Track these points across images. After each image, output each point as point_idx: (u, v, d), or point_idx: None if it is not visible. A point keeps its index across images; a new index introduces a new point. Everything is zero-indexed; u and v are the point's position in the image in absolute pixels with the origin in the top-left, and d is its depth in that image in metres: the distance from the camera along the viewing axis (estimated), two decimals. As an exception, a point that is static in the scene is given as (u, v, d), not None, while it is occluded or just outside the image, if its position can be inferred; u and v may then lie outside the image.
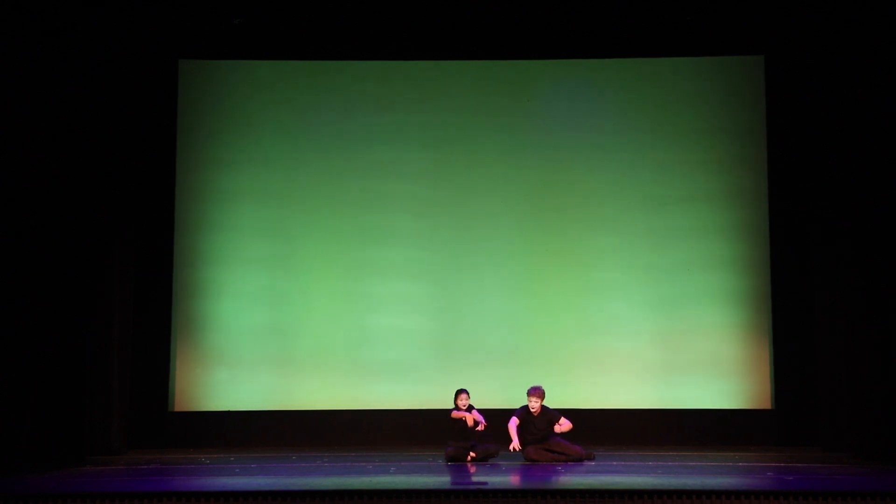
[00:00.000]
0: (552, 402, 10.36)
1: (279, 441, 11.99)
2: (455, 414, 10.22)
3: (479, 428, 10.15)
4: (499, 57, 12.60)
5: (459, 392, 10.30)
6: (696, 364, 12.14)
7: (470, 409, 10.25)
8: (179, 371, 12.24)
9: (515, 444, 10.03)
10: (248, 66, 12.65)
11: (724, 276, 12.26)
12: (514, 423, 10.13)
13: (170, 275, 12.29)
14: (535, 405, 10.15)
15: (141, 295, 11.95)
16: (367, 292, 12.39)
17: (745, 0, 11.62)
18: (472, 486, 7.95)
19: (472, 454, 10.11)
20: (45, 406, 10.02)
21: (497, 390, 11.66)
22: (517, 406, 10.30)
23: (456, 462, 10.03)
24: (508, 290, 12.37)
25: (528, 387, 10.26)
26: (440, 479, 8.76)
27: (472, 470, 9.46)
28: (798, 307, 11.89)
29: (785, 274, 12.09)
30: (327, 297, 12.38)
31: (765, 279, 12.19)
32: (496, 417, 10.46)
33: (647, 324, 12.24)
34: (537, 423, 10.14)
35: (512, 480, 8.76)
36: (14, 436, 9.67)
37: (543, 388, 10.25)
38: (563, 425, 10.14)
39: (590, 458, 10.16)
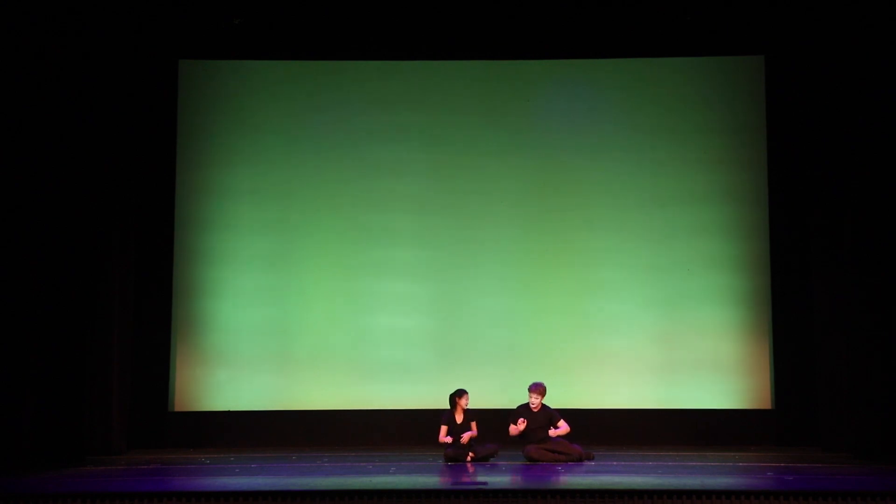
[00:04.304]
0: (552, 402, 10.36)
1: (279, 441, 11.99)
2: (443, 438, 10.21)
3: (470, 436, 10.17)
4: (499, 57, 12.60)
5: (462, 393, 10.28)
6: (697, 364, 12.14)
7: (466, 417, 10.25)
8: (179, 371, 12.25)
9: (521, 425, 10.00)
10: (248, 66, 12.65)
11: (724, 276, 12.26)
12: (512, 428, 10.15)
13: (170, 274, 12.29)
14: (534, 401, 10.16)
15: (141, 295, 11.96)
16: (366, 292, 12.39)
17: (745, 0, 11.63)
18: (472, 486, 7.95)
19: (471, 454, 10.11)
20: (45, 406, 10.02)
21: (497, 390, 11.66)
22: (516, 406, 10.30)
23: (456, 462, 10.03)
24: (508, 290, 12.37)
25: (530, 383, 10.28)
26: (440, 479, 8.76)
27: (472, 470, 9.46)
28: (798, 307, 11.89)
29: (785, 274, 12.10)
30: (327, 297, 12.39)
31: (765, 279, 12.19)
32: (496, 417, 10.47)
33: (647, 324, 12.24)
34: (537, 419, 10.14)
35: (512, 480, 8.76)
36: (14, 436, 9.67)
37: (545, 385, 10.27)
38: (561, 428, 10.14)
39: (590, 458, 10.16)
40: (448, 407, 10.31)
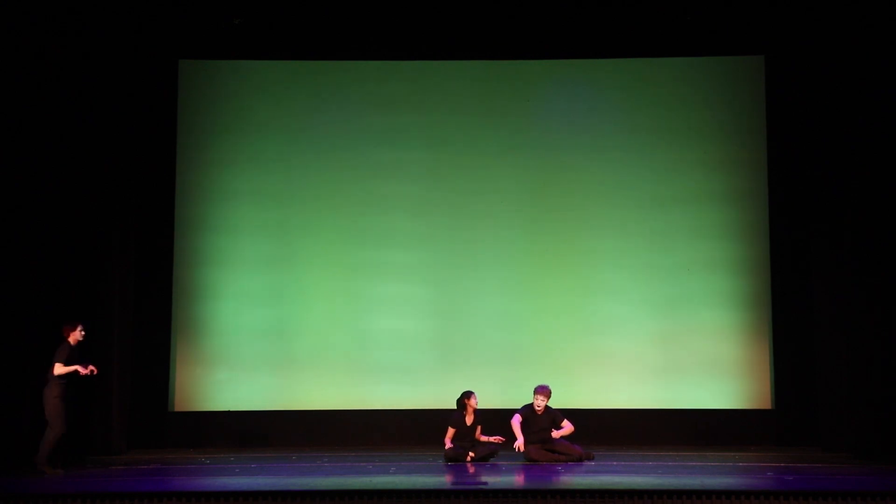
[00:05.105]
0: (553, 402, 10.36)
1: (279, 441, 11.99)
2: (447, 444, 10.22)
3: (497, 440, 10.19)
4: (499, 57, 12.60)
5: (470, 394, 10.27)
6: (697, 364, 12.14)
7: (475, 419, 10.26)
8: (179, 371, 12.24)
9: (520, 442, 10.01)
10: (248, 66, 12.65)
11: (724, 276, 12.25)
12: (517, 419, 10.13)
13: (170, 275, 12.28)
14: (540, 403, 10.16)
15: (141, 295, 11.95)
16: (367, 292, 12.38)
17: (745, 0, 11.63)
18: (472, 486, 7.96)
19: (471, 454, 10.11)
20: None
21: (497, 391, 11.66)
22: (517, 406, 10.31)
23: (456, 462, 10.03)
24: (508, 290, 12.36)
25: (535, 385, 10.29)
26: (440, 479, 8.77)
27: (472, 470, 9.46)
28: (798, 307, 11.89)
29: (785, 274, 12.09)
30: (327, 297, 12.38)
31: (765, 279, 12.18)
32: (496, 417, 10.46)
33: (647, 324, 12.23)
34: (540, 421, 10.15)
35: (512, 480, 8.76)
36: (14, 436, 9.67)
37: (551, 388, 10.27)
38: (565, 428, 10.15)
39: (589, 459, 10.16)
40: (455, 409, 10.30)
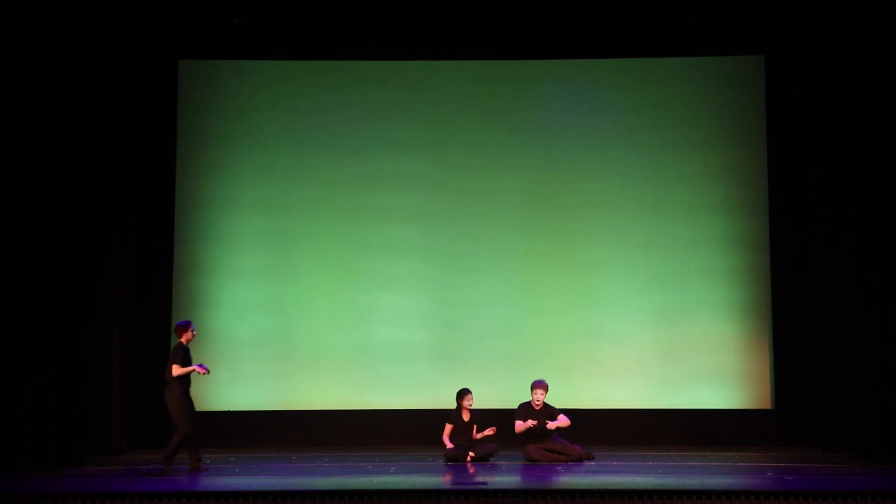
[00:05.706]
0: (554, 403, 10.36)
1: (279, 441, 11.99)
2: (446, 439, 10.24)
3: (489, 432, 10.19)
4: (499, 57, 12.61)
5: (465, 392, 10.30)
6: (697, 364, 12.14)
7: (472, 417, 10.27)
8: (179, 371, 12.23)
9: (530, 423, 10.06)
10: (248, 66, 12.65)
11: (724, 276, 12.25)
12: (519, 424, 10.16)
13: (170, 274, 12.28)
14: (539, 398, 10.17)
15: (141, 295, 11.96)
16: (367, 292, 12.39)
17: (745, 0, 11.63)
18: (472, 486, 7.96)
19: (471, 453, 10.11)
20: (45, 406, 10.01)
21: (497, 391, 11.66)
22: (516, 406, 10.31)
23: (455, 462, 10.03)
24: (508, 292, 12.37)
25: (532, 381, 10.31)
26: (440, 479, 8.77)
27: (472, 470, 9.46)
28: (798, 307, 11.89)
29: (785, 274, 12.09)
30: (328, 298, 12.38)
31: (765, 279, 12.18)
32: (496, 418, 10.46)
33: (647, 324, 12.24)
34: (538, 418, 10.15)
35: (512, 480, 8.76)
36: (14, 436, 9.66)
37: (548, 382, 10.29)
38: (561, 421, 10.16)
39: (589, 458, 10.17)
40: (455, 406, 10.33)
